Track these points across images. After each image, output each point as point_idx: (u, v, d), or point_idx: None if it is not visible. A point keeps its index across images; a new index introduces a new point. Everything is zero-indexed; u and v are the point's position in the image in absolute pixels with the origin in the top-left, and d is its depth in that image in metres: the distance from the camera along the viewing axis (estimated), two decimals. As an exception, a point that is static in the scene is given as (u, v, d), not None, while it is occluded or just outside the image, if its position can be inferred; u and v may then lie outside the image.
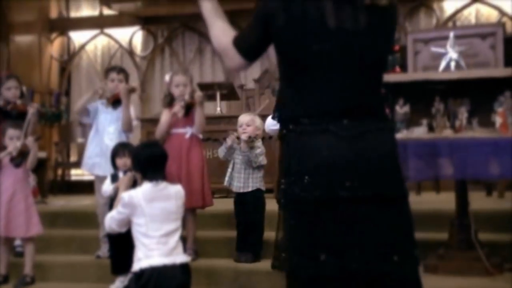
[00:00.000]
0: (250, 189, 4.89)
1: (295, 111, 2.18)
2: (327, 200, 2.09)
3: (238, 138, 4.94)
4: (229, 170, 5.00)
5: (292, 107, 2.19)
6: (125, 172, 4.43)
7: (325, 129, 2.11)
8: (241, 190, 4.91)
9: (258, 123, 4.90)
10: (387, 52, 2.31)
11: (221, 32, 2.31)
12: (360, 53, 2.14)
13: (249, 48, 2.25)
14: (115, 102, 5.14)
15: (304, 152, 2.13)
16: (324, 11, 2.11)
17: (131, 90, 5.13)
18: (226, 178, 5.01)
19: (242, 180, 4.90)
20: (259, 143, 4.94)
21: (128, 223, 3.77)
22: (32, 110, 5.26)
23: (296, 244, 2.17)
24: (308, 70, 2.16)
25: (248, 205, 4.88)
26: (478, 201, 5.11)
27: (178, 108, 4.87)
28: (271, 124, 3.90)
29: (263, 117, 5.80)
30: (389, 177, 2.15)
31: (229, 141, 4.94)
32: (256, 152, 4.86)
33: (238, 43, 2.25)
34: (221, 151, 5.03)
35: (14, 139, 4.85)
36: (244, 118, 4.95)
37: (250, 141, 4.83)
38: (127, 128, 5.09)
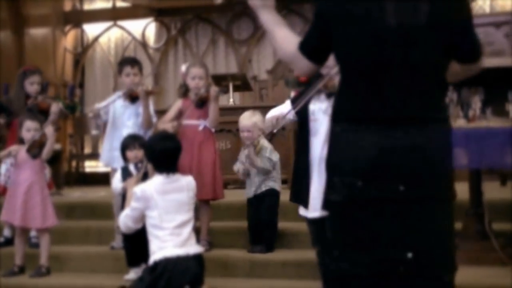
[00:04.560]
0: (263, 189, 4.84)
1: (348, 110, 2.16)
2: (376, 202, 2.10)
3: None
4: (247, 182, 4.94)
5: (347, 106, 2.17)
6: (136, 164, 4.44)
7: (378, 130, 2.10)
8: (255, 193, 4.86)
9: (259, 123, 4.77)
10: (458, 45, 2.21)
11: (285, 40, 2.26)
12: (421, 54, 2.10)
13: (314, 51, 2.22)
14: (133, 97, 5.13)
15: (355, 152, 2.11)
16: (385, 9, 2.08)
17: (149, 93, 5.10)
18: (246, 191, 4.95)
19: (256, 184, 4.85)
20: (264, 142, 4.87)
21: (143, 218, 3.79)
22: (56, 109, 5.35)
23: (341, 242, 2.16)
24: (367, 70, 2.12)
25: (262, 204, 4.82)
26: (493, 191, 5.08)
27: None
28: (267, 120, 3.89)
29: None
30: (438, 180, 2.14)
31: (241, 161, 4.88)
32: (266, 155, 4.80)
33: (303, 47, 2.21)
34: (241, 172, 4.93)
35: (31, 131, 4.87)
36: (244, 123, 4.85)
37: (256, 145, 4.79)
38: (148, 126, 5.09)
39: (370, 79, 2.12)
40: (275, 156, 4.86)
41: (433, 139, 2.14)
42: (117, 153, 4.90)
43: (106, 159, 5.22)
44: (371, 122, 2.11)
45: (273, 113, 3.89)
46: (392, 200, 2.09)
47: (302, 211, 3.73)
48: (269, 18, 2.29)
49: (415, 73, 2.12)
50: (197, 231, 4.39)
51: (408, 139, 2.10)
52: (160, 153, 3.85)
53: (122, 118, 5.13)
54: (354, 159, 2.12)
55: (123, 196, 4.34)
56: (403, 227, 2.10)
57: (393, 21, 2.07)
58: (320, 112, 3.63)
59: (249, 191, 4.90)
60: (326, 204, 2.24)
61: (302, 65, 2.24)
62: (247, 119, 4.85)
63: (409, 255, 2.09)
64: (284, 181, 5.18)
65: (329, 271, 2.22)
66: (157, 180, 3.79)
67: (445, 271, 2.17)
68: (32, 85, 5.53)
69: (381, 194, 2.09)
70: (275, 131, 3.80)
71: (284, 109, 3.84)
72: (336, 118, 2.21)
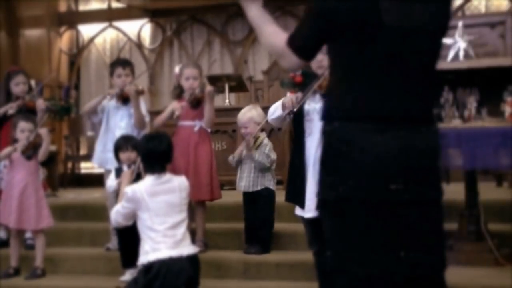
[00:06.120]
0: (259, 188, 4.82)
1: (346, 109, 2.14)
2: (373, 202, 2.09)
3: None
4: (238, 173, 4.93)
5: (344, 105, 2.15)
6: (129, 166, 4.44)
7: (376, 130, 2.09)
8: (250, 190, 4.84)
9: (256, 118, 4.79)
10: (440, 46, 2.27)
11: (273, 35, 2.27)
12: (419, 52, 2.12)
13: (304, 47, 2.22)
14: (125, 98, 5.12)
15: (351, 151, 2.10)
16: (382, 8, 2.08)
17: (139, 92, 5.10)
18: (237, 182, 4.95)
19: (251, 180, 4.83)
20: (265, 139, 4.87)
21: (133, 216, 3.78)
22: (41, 106, 5.37)
23: (340, 242, 2.16)
24: (365, 69, 2.12)
25: (257, 203, 4.81)
26: (488, 191, 5.08)
27: (178, 106, 4.87)
28: (270, 114, 3.89)
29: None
30: (432, 180, 2.16)
31: (236, 156, 4.89)
32: (265, 151, 4.78)
33: (292, 43, 2.21)
34: (233, 162, 4.96)
35: (25, 132, 4.86)
36: (239, 119, 4.87)
37: (254, 141, 4.78)
38: (141, 126, 5.08)
39: (368, 79, 2.12)
40: (274, 155, 4.85)
41: (430, 139, 2.16)
42: (110, 155, 4.89)
43: (99, 160, 5.21)
44: (369, 121, 2.10)
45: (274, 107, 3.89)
46: (390, 201, 2.09)
47: (298, 211, 3.73)
48: (257, 14, 2.30)
49: (414, 73, 2.13)
50: (192, 232, 4.38)
51: (406, 139, 2.10)
52: (148, 153, 3.84)
53: (115, 119, 5.13)
54: (353, 158, 2.10)
55: (117, 194, 4.33)
56: (402, 227, 2.10)
57: (390, 20, 2.08)
58: (315, 112, 3.63)
59: (243, 185, 4.87)
60: (322, 204, 2.23)
61: (290, 61, 2.24)
62: (243, 114, 4.86)
63: (402, 254, 2.09)
64: (279, 182, 5.17)
65: (330, 270, 2.20)
66: (148, 182, 3.77)
67: (440, 269, 2.19)
68: (17, 86, 5.52)
69: (379, 194, 2.09)
70: (295, 109, 3.76)
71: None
72: (332, 116, 2.19)
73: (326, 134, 2.22)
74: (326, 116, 2.22)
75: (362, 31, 2.10)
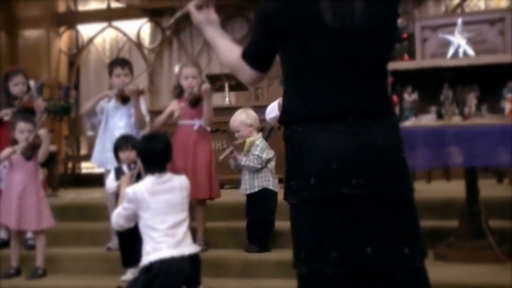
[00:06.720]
0: (256, 190, 4.82)
1: (297, 112, 2.17)
2: (334, 199, 2.09)
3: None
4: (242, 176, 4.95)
5: (295, 108, 2.18)
6: (129, 165, 4.43)
7: (328, 129, 2.10)
8: (248, 192, 4.85)
9: (246, 120, 4.82)
10: (391, 43, 2.30)
11: (228, 50, 2.31)
12: (362, 50, 2.12)
13: (258, 58, 2.25)
14: (124, 98, 5.11)
15: (309, 152, 2.12)
16: (321, 9, 2.09)
17: (140, 92, 5.09)
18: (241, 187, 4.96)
19: (247, 181, 4.84)
20: (258, 140, 4.87)
21: (135, 217, 3.79)
22: (41, 107, 5.37)
23: (306, 244, 2.17)
24: (310, 71, 2.14)
25: (256, 204, 4.81)
26: (489, 188, 5.08)
27: (177, 107, 4.88)
28: (268, 113, 3.92)
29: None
30: (394, 173, 2.15)
31: (232, 159, 4.90)
32: (255, 152, 4.78)
33: (246, 56, 2.25)
34: (231, 165, 4.98)
35: (24, 133, 4.85)
36: (233, 124, 4.89)
37: (244, 142, 4.80)
38: (141, 126, 5.07)
39: (317, 80, 2.13)
40: (268, 154, 4.83)
41: (388, 132, 2.16)
42: (110, 155, 4.88)
43: (98, 160, 5.20)
44: (323, 121, 2.12)
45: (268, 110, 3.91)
46: (353, 197, 2.09)
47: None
48: (214, 32, 2.35)
49: (362, 70, 2.13)
50: (192, 231, 4.38)
51: (362, 135, 2.11)
52: (147, 154, 3.85)
53: (114, 119, 5.12)
54: (311, 159, 2.12)
55: (117, 196, 4.33)
56: (367, 222, 2.10)
57: (330, 20, 2.09)
58: None
59: (242, 188, 4.89)
60: (290, 208, 2.24)
61: (246, 73, 2.27)
62: (233, 120, 4.89)
63: (369, 249, 2.09)
64: (279, 180, 5.16)
65: (300, 273, 2.22)
66: (148, 181, 3.78)
67: (413, 262, 2.16)
68: (16, 86, 5.53)
69: (341, 191, 2.09)
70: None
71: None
72: (288, 120, 2.21)
73: (284, 139, 2.23)
74: (282, 120, 2.24)
75: (304, 33, 2.11)
